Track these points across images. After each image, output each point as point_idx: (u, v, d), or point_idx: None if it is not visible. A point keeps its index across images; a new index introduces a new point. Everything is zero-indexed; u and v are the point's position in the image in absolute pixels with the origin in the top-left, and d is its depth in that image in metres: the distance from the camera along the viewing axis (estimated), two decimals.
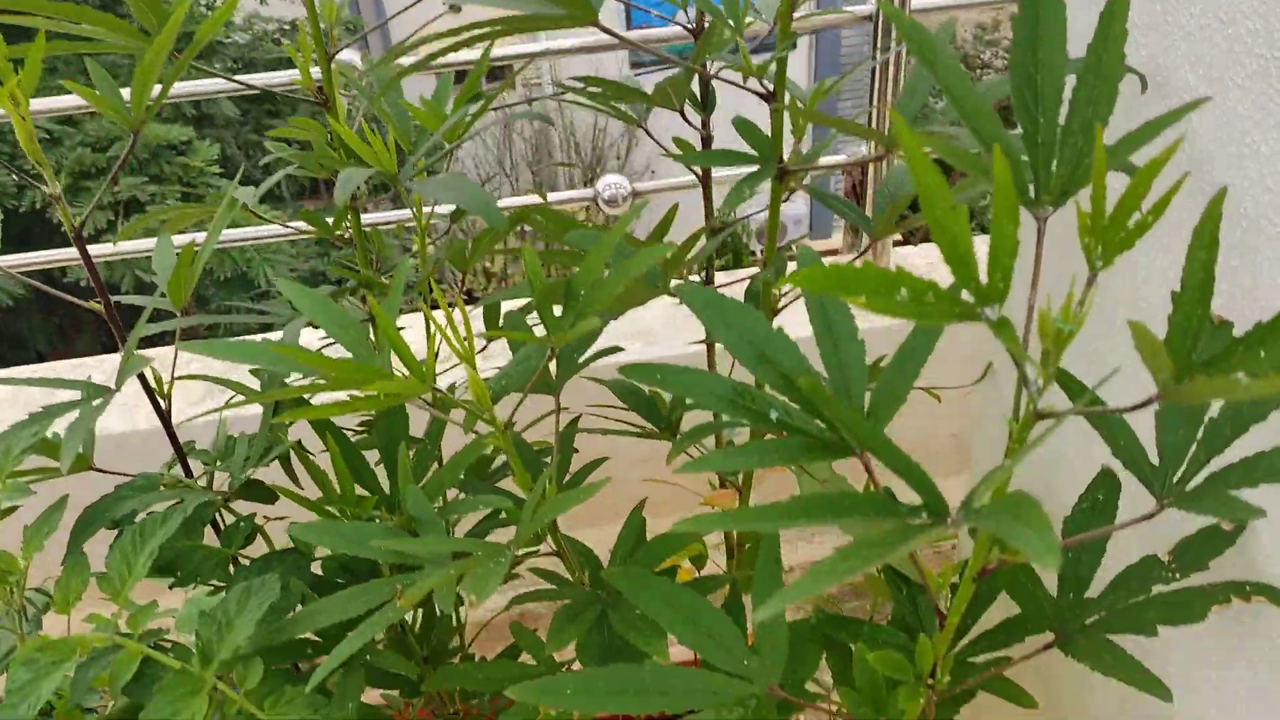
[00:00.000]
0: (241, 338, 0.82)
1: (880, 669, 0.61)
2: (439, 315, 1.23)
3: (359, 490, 0.84)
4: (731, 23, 0.70)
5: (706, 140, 0.95)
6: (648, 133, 1.00)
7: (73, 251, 1.51)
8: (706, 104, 0.93)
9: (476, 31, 0.70)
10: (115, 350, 1.25)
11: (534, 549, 0.83)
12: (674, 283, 0.70)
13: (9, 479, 0.75)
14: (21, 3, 0.70)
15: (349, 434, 0.89)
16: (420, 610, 0.98)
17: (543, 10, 0.67)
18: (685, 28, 0.89)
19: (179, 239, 1.24)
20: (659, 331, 1.71)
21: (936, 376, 0.75)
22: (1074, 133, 0.48)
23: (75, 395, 0.77)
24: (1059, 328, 0.43)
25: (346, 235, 0.97)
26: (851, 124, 0.63)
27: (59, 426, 0.78)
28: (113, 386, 0.76)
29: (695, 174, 0.97)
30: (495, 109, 0.98)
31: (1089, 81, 0.47)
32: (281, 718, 0.70)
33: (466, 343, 0.64)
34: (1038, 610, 0.64)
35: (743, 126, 0.73)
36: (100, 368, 1.68)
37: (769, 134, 0.73)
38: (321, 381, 0.66)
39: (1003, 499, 0.39)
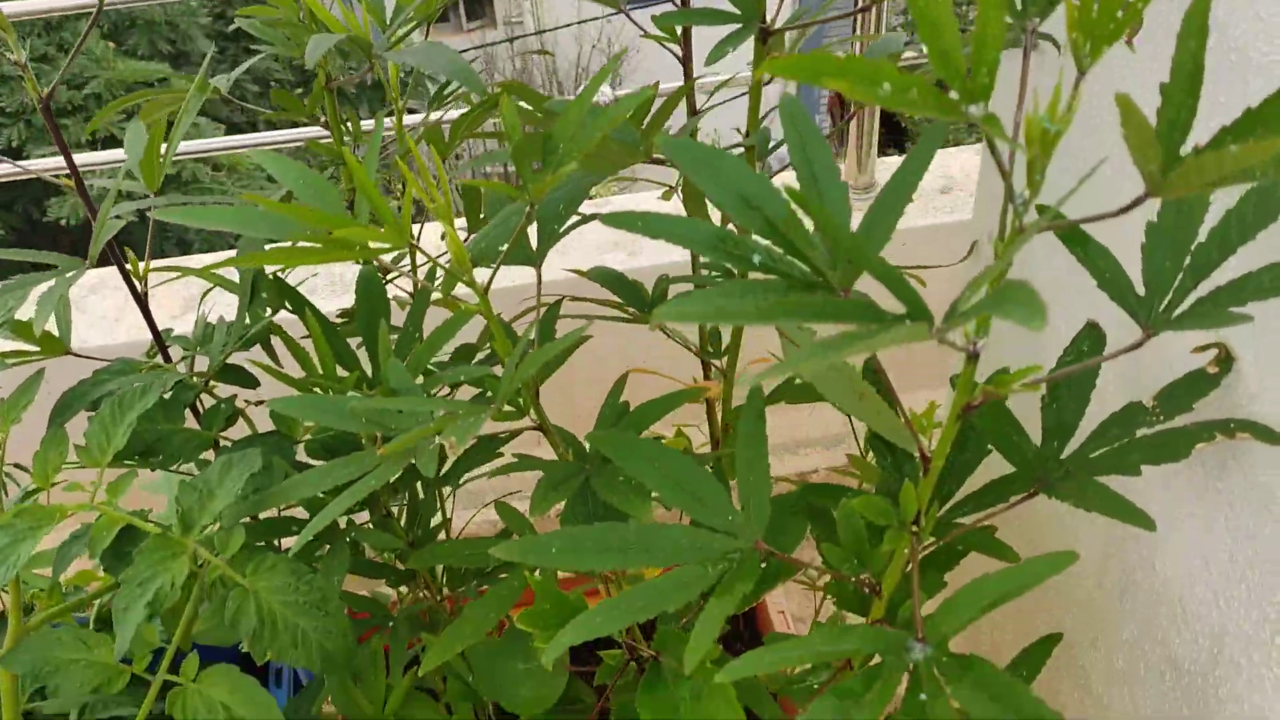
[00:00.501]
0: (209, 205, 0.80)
1: (864, 514, 0.60)
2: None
3: (340, 371, 0.84)
4: None
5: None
6: (631, 18, 0.98)
7: (50, 162, 1.48)
8: None
9: None
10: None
11: (515, 425, 0.82)
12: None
13: None
14: None
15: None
16: (405, 498, 0.98)
17: None
18: None
19: None
20: (643, 243, 1.70)
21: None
22: None
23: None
24: (1045, 128, 0.42)
25: (322, 119, 0.95)
26: None
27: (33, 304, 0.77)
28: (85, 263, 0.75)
29: (675, 55, 0.95)
30: (477, 48, 0.96)
31: None
32: (262, 584, 0.70)
33: (443, 196, 0.63)
34: (1021, 460, 0.64)
35: None
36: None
37: None
38: (302, 245, 0.65)
39: (987, 299, 0.39)
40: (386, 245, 0.60)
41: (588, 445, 0.80)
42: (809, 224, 0.59)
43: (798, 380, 0.96)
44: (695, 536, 0.65)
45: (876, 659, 0.54)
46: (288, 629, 0.70)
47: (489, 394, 0.85)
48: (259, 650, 0.70)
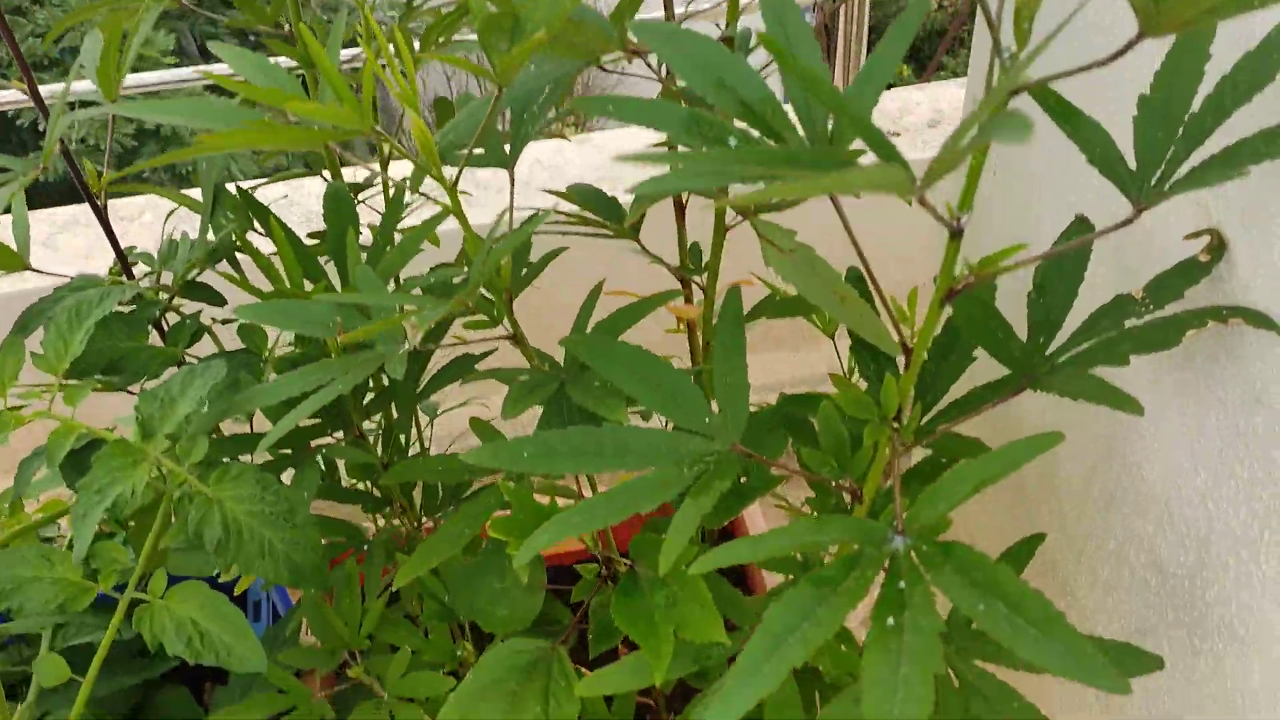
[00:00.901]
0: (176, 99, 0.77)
1: (846, 409, 0.59)
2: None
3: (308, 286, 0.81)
4: None
5: None
6: None
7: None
8: None
9: None
10: None
11: (489, 334, 0.80)
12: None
13: None
14: None
15: None
16: (381, 421, 0.96)
17: None
18: None
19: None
20: (625, 177, 1.67)
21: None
22: None
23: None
24: None
25: (286, 30, 0.92)
26: None
27: None
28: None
29: None
30: None
31: None
32: (227, 493, 0.68)
33: (408, 81, 0.60)
34: (1007, 356, 0.62)
35: None
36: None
37: None
38: (259, 128, 0.62)
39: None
40: (347, 125, 0.57)
41: (563, 360, 0.78)
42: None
43: (778, 297, 0.94)
44: (672, 440, 0.63)
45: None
46: (254, 539, 0.68)
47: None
48: (224, 562, 0.68)
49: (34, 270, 0.84)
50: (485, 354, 0.89)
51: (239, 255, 0.88)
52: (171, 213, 0.96)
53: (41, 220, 1.63)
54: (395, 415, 0.90)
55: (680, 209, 1.03)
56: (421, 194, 0.67)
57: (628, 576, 0.71)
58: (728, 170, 0.54)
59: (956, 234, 0.50)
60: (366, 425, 0.93)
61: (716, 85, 0.57)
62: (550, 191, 0.96)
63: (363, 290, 0.74)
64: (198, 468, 0.68)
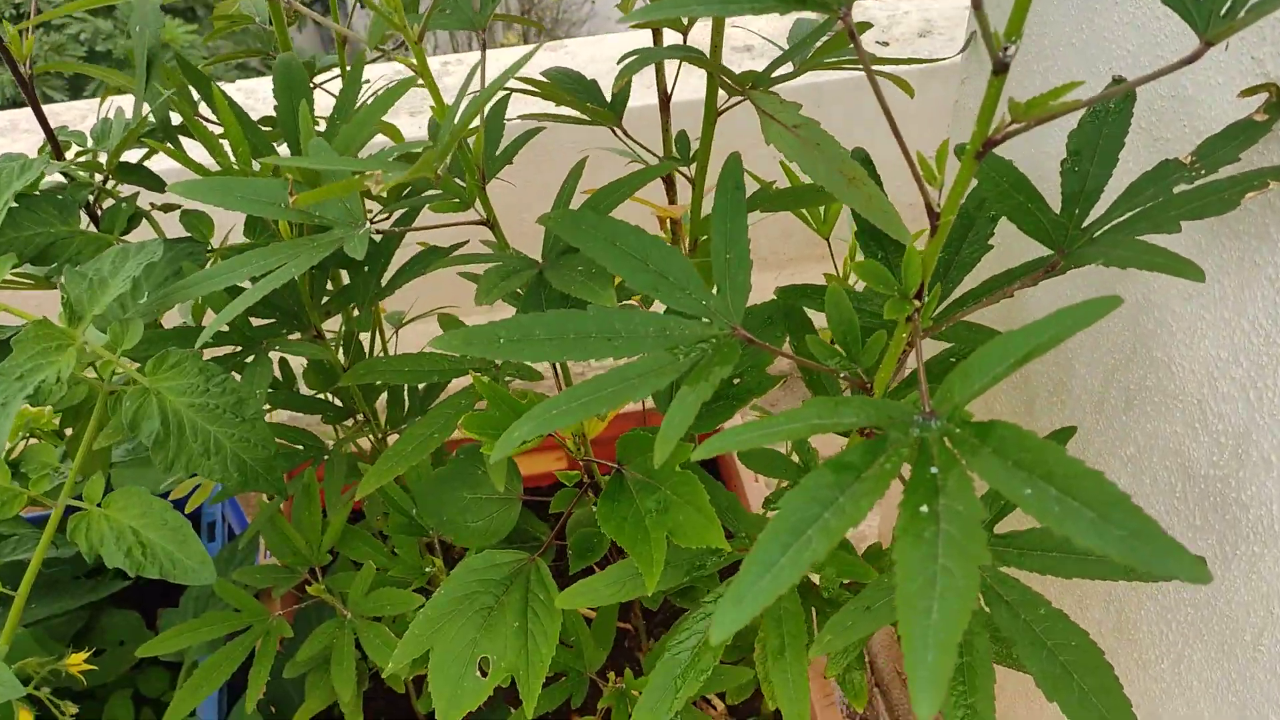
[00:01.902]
0: None
1: (863, 277, 0.52)
2: None
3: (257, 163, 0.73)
4: None
5: None
6: None
7: None
8: None
9: None
10: None
11: (459, 218, 0.73)
12: None
13: None
14: None
15: None
16: (342, 321, 0.89)
17: None
18: None
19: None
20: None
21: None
22: None
23: None
24: None
25: None
26: None
27: None
28: None
29: None
30: None
31: None
32: (165, 383, 0.61)
33: None
34: (1037, 227, 0.56)
35: None
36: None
37: None
38: None
39: None
40: None
41: (541, 251, 0.71)
42: None
43: (775, 187, 0.88)
44: (663, 322, 0.57)
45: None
46: (197, 435, 0.61)
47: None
48: (164, 460, 0.61)
49: None
50: (454, 246, 0.82)
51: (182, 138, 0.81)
52: (108, 92, 0.87)
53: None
54: (356, 314, 0.83)
55: (665, 99, 0.96)
56: (380, 50, 0.60)
57: (613, 480, 0.65)
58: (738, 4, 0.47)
59: (1001, 69, 0.43)
60: (327, 330, 0.86)
61: None
62: (524, 80, 0.89)
63: (315, 158, 0.66)
64: (133, 356, 0.60)
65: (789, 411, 0.46)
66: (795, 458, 0.72)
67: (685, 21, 0.89)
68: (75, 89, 4.13)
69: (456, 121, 0.54)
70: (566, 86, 0.88)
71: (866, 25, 0.76)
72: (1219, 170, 0.52)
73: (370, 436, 0.94)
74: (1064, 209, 0.56)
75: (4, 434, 0.56)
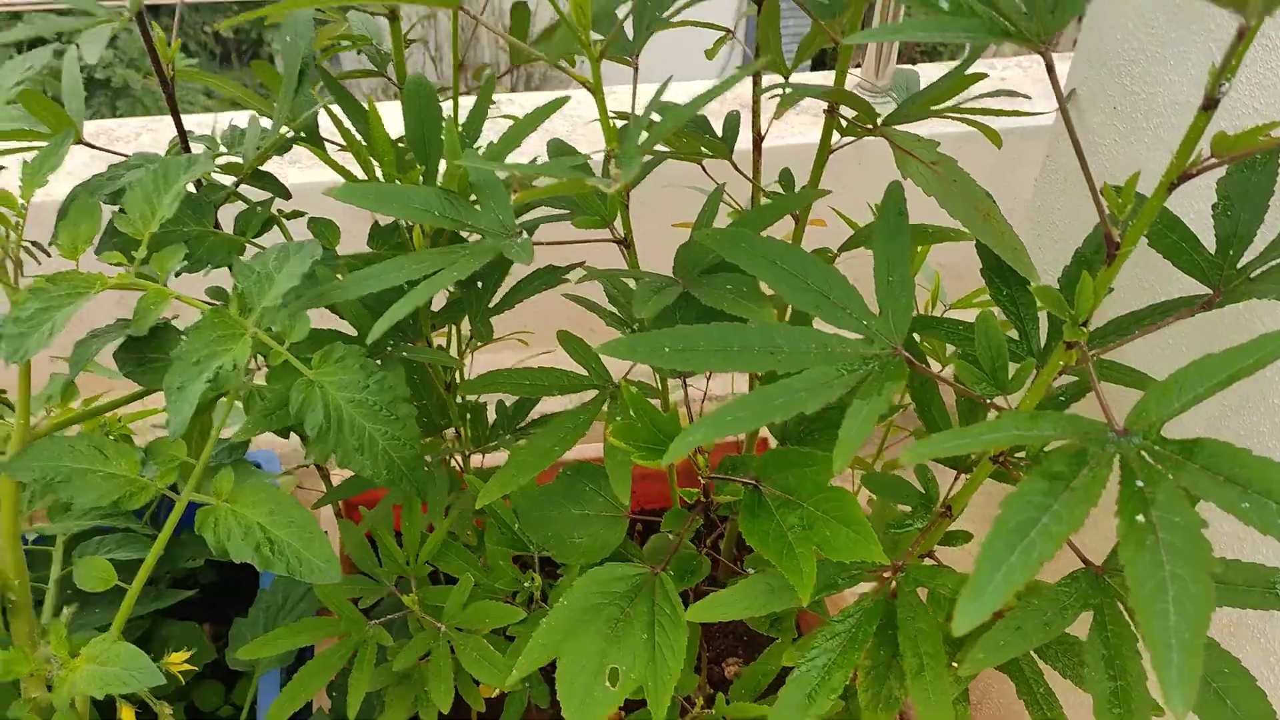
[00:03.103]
0: None
1: (1041, 300, 0.54)
2: None
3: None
4: None
5: None
6: None
7: None
8: None
9: None
10: None
11: (594, 234, 0.75)
12: None
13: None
14: None
15: None
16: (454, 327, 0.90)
17: None
18: None
19: None
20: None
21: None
22: None
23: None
24: None
25: None
26: None
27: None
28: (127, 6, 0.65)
29: None
30: None
31: None
32: (330, 378, 0.62)
33: None
34: (1194, 267, 0.58)
35: None
36: None
37: None
38: None
39: None
40: None
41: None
42: None
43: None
44: (825, 340, 0.59)
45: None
46: (354, 432, 0.62)
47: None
48: (322, 451, 0.62)
49: (86, 144, 0.76)
50: (570, 266, 0.83)
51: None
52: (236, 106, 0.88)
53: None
54: (471, 326, 0.84)
55: (758, 140, 0.98)
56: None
57: (751, 497, 0.66)
58: (949, 31, 0.49)
59: (1210, 105, 0.46)
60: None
61: None
62: (619, 114, 0.91)
63: (473, 176, 0.68)
64: (297, 349, 0.61)
65: (989, 423, 0.48)
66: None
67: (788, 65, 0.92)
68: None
69: (643, 141, 0.56)
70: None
71: (981, 75, 0.80)
72: None
73: (461, 452, 0.94)
74: (1219, 250, 0.58)
75: (182, 419, 0.56)
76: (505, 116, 0.90)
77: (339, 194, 0.67)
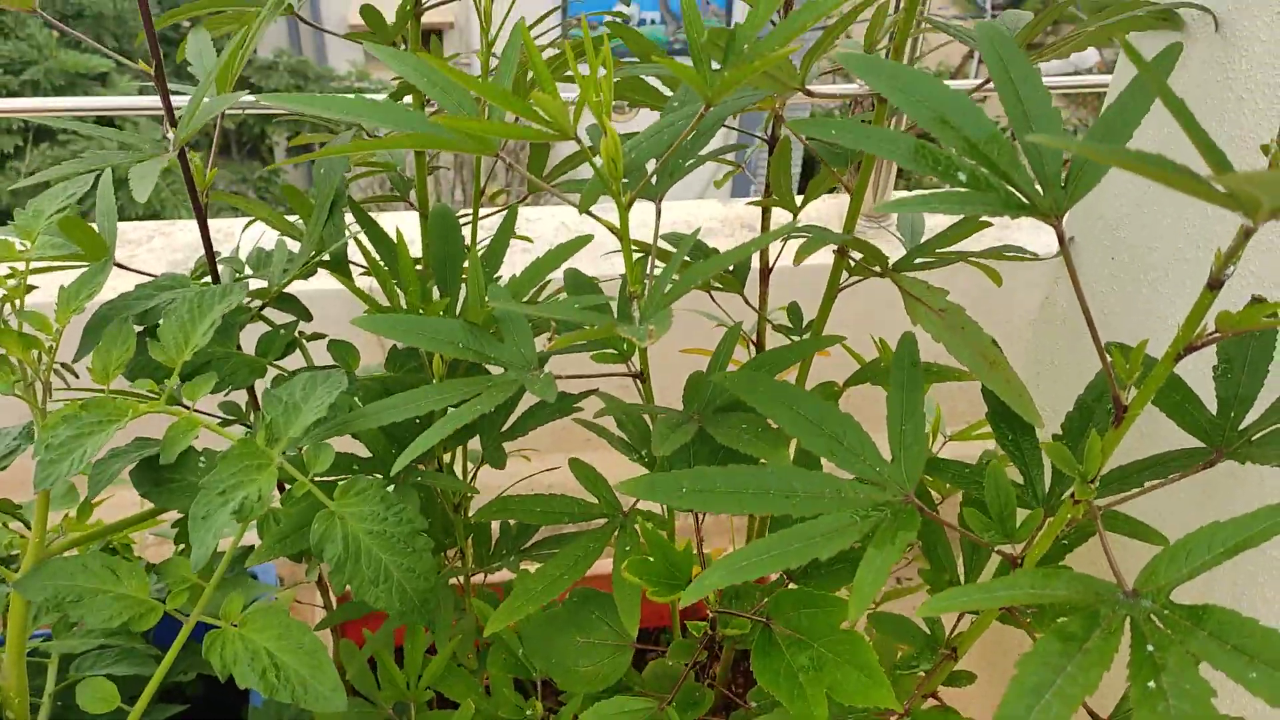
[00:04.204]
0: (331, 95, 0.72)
1: (1052, 457, 0.56)
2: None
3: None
4: None
5: None
6: None
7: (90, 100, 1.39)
8: None
9: None
10: None
11: (612, 369, 0.77)
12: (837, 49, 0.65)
13: (39, 240, 0.66)
14: None
15: None
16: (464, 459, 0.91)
17: None
18: None
19: None
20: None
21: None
22: None
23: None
24: None
25: (403, 45, 0.89)
26: None
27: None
28: (169, 139, 0.68)
29: None
30: None
31: None
32: (351, 509, 0.63)
33: (604, 87, 0.58)
34: (1196, 428, 0.60)
35: None
36: None
37: None
38: (437, 130, 0.59)
39: None
40: (557, 124, 0.54)
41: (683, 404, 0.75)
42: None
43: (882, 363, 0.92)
44: (838, 484, 0.60)
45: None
46: (371, 563, 0.63)
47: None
48: (338, 582, 0.62)
49: (118, 265, 0.78)
50: (585, 393, 0.85)
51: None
52: (251, 222, 0.91)
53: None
54: (483, 450, 0.85)
55: (766, 271, 1.01)
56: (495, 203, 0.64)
57: (762, 635, 0.67)
58: (970, 206, 0.52)
59: (1216, 285, 0.48)
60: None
61: (940, 122, 0.55)
62: (636, 244, 0.94)
63: (497, 309, 0.70)
64: (320, 480, 0.63)
65: (1004, 579, 0.49)
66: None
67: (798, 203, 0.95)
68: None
69: (669, 291, 0.58)
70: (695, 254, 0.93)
71: (986, 223, 0.83)
72: None
73: (461, 570, 0.95)
74: (1220, 411, 0.60)
75: (205, 549, 0.57)
76: (520, 237, 0.93)
77: (366, 324, 0.69)
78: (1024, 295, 1.13)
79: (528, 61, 0.56)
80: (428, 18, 0.89)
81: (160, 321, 0.75)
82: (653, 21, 9.54)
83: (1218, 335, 0.50)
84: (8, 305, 0.66)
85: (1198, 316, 0.50)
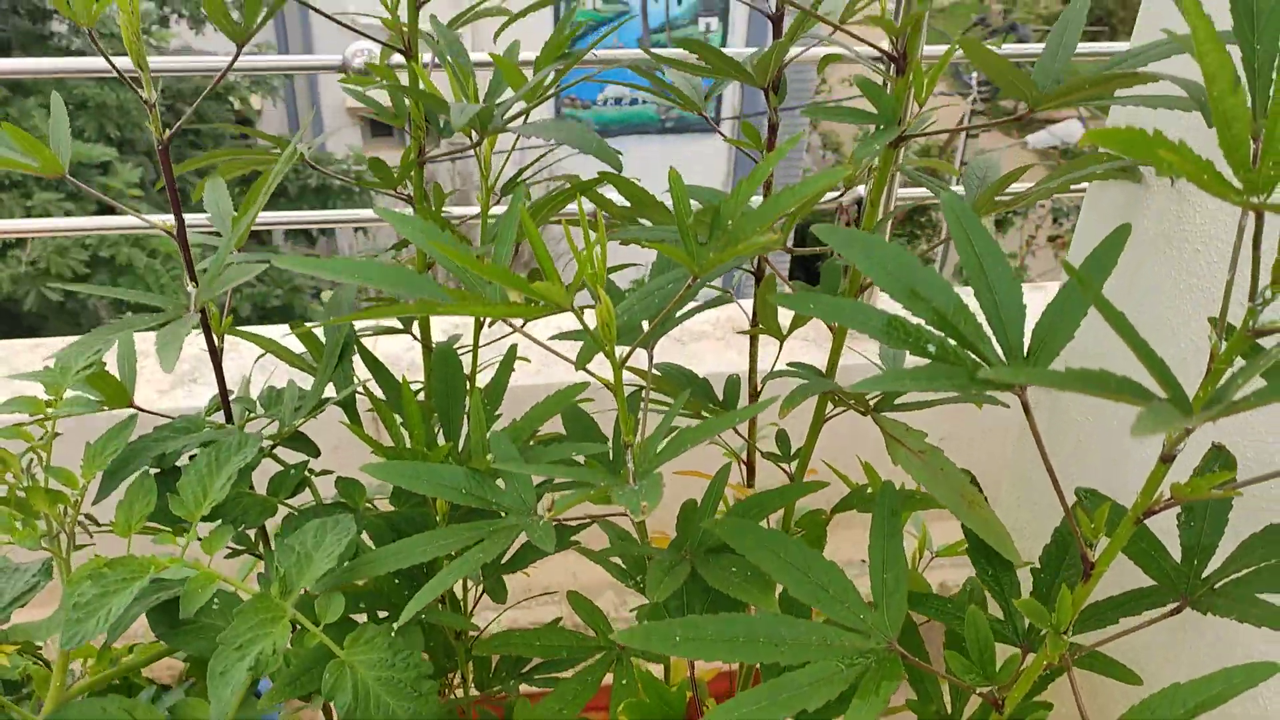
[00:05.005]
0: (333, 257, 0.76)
1: (1026, 613, 0.59)
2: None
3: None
4: None
5: (773, 126, 0.96)
6: (707, 119, 1.00)
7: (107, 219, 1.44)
8: (779, 89, 0.94)
9: None
10: None
11: (607, 510, 0.80)
12: (815, 226, 0.70)
13: (64, 397, 0.70)
14: None
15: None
16: (464, 580, 0.94)
17: None
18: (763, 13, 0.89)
19: None
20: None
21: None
22: None
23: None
24: None
25: (406, 194, 0.94)
26: (1006, 68, 0.63)
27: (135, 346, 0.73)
28: (191, 308, 0.72)
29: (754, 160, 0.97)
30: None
31: None
32: (360, 657, 0.65)
33: (598, 261, 0.62)
34: (1162, 575, 0.64)
35: (867, 86, 0.73)
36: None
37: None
38: (436, 299, 0.63)
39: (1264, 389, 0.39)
40: (557, 301, 0.58)
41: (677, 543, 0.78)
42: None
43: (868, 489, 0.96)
44: (824, 632, 0.63)
45: None
46: (379, 708, 0.65)
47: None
48: None
49: (138, 409, 0.82)
50: (579, 526, 0.88)
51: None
52: (261, 355, 0.95)
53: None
54: (484, 584, 0.88)
55: (754, 394, 1.05)
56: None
57: None
58: (939, 382, 0.56)
59: (1168, 459, 0.52)
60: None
61: (910, 294, 0.60)
62: (633, 369, 0.98)
63: (498, 457, 0.74)
64: (330, 627, 0.66)
65: None
66: None
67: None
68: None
69: (660, 452, 0.62)
70: (680, 383, 0.97)
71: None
72: None
73: (464, 701, 0.97)
74: (1184, 559, 0.64)
75: (224, 706, 0.60)
76: (521, 358, 0.97)
77: (375, 472, 0.72)
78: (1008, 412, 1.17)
79: (531, 240, 0.61)
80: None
81: (177, 464, 0.79)
82: (644, 101, 9.76)
83: (1174, 501, 0.54)
84: (34, 459, 0.69)
85: (1154, 485, 0.54)
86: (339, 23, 0.88)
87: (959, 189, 0.86)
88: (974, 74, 10.62)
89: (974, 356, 0.58)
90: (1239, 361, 0.47)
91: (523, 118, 0.82)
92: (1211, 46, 0.40)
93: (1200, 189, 0.40)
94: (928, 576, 1.05)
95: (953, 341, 0.58)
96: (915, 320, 0.59)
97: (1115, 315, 0.43)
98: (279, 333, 1.45)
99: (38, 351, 1.67)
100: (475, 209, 1.12)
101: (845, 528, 1.17)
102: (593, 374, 0.69)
